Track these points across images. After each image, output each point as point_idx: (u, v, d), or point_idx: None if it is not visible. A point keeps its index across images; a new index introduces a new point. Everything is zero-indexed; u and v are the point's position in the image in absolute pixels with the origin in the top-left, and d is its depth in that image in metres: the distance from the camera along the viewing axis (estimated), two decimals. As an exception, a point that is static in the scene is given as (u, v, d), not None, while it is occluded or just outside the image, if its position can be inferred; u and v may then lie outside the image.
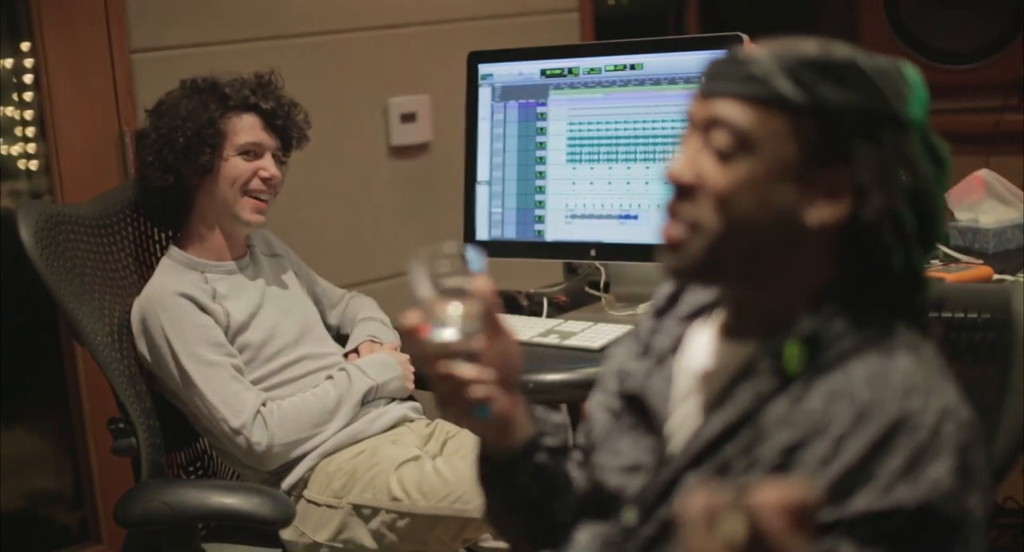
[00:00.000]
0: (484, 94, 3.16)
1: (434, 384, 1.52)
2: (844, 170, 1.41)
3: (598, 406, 1.67)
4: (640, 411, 1.57)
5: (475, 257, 1.53)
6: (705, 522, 0.99)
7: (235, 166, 2.87)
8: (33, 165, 3.49)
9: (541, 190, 3.07)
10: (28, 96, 3.46)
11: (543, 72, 3.09)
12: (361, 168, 3.77)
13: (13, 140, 3.48)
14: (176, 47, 3.46)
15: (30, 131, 3.47)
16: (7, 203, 3.49)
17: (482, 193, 3.15)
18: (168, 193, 2.89)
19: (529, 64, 3.12)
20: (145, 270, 2.94)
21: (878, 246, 1.42)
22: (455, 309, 1.50)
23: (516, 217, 3.11)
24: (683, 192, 1.45)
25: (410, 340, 1.50)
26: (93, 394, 3.41)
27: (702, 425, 1.46)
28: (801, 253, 1.44)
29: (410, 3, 3.83)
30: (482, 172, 3.15)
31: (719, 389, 1.48)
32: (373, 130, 3.78)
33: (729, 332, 1.53)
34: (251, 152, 2.88)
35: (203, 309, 2.77)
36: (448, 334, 1.49)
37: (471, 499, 2.54)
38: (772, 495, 0.99)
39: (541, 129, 3.07)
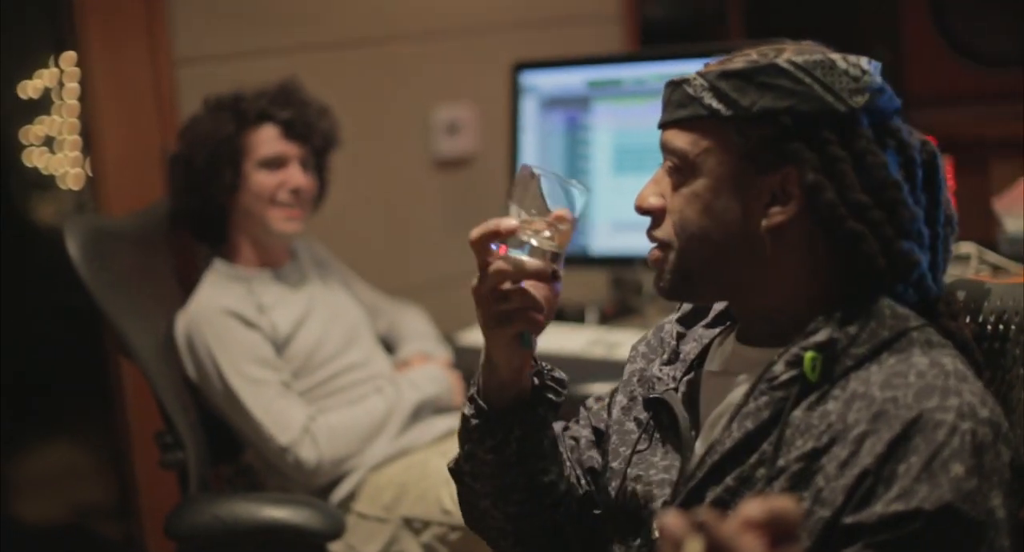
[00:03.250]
0: (528, 104, 3.15)
1: (494, 302, 1.50)
2: (790, 171, 1.43)
3: (620, 409, 1.67)
4: (669, 421, 1.56)
5: (578, 193, 1.53)
6: (672, 545, 0.98)
7: (260, 180, 2.87)
8: (76, 177, 3.49)
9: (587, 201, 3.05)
10: (71, 108, 3.46)
11: (588, 82, 3.08)
12: (405, 178, 3.76)
13: (56, 153, 3.48)
14: (219, 57, 3.45)
15: (73, 143, 3.48)
16: (50, 216, 3.50)
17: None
18: (202, 213, 2.90)
19: (574, 73, 3.11)
20: (188, 283, 2.94)
21: (846, 238, 1.43)
22: (542, 232, 1.50)
23: (562, 228, 3.09)
24: (653, 218, 1.53)
25: (486, 246, 1.49)
26: (138, 407, 3.40)
27: (721, 437, 1.46)
28: (772, 257, 1.46)
29: (452, 12, 3.83)
30: (527, 183, 3.14)
31: (739, 398, 1.48)
32: (416, 140, 3.77)
33: (744, 339, 1.54)
34: (274, 164, 2.88)
35: (249, 325, 2.77)
36: (533, 256, 1.49)
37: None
38: (746, 513, 0.98)
39: (586, 139, 3.06)
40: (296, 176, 2.88)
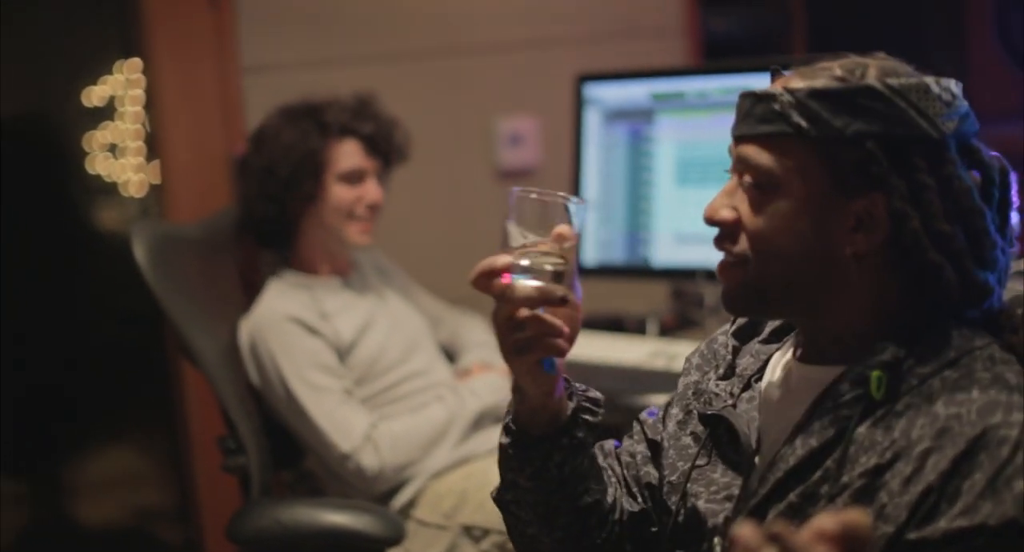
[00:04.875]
0: (592, 116, 3.16)
1: (509, 332, 1.49)
2: (878, 197, 1.41)
3: (675, 422, 1.66)
4: (728, 437, 1.55)
5: (576, 208, 1.49)
6: None
7: (339, 193, 2.89)
8: (139, 184, 3.53)
9: (649, 214, 3.05)
10: (135, 115, 3.49)
11: (652, 95, 3.08)
12: (467, 189, 3.77)
13: (119, 159, 3.51)
14: (285, 66, 3.48)
15: (137, 150, 3.51)
16: (113, 222, 3.54)
17: (590, 217, 3.13)
18: (274, 221, 2.91)
19: (637, 86, 3.11)
20: (252, 290, 2.96)
21: (926, 268, 1.41)
22: (547, 255, 1.47)
23: (624, 240, 3.10)
24: (724, 230, 1.49)
25: (486, 282, 1.49)
26: (199, 412, 3.43)
27: (784, 453, 1.45)
28: (850, 281, 1.44)
29: (516, 25, 3.84)
30: (590, 195, 3.14)
31: (800, 416, 1.47)
32: (479, 152, 3.78)
33: (806, 357, 1.52)
34: (353, 178, 2.90)
35: (312, 332, 2.78)
36: (537, 281, 1.47)
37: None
38: (819, 525, 0.98)
39: (649, 152, 3.06)
40: (373, 191, 2.91)
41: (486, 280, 1.49)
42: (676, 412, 1.67)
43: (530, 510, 1.64)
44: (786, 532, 0.97)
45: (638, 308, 3.26)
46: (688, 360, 1.73)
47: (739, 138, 1.48)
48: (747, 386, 1.58)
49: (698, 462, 1.59)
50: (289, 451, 2.88)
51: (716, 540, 1.52)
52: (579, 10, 3.95)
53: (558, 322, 1.48)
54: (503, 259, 1.48)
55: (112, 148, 3.50)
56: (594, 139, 3.16)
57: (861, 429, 1.40)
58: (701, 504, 1.55)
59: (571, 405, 1.58)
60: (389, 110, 3.03)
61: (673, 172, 3.03)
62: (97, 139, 3.48)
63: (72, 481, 3.61)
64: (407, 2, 3.67)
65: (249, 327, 2.81)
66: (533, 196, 1.49)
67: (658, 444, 1.69)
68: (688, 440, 1.63)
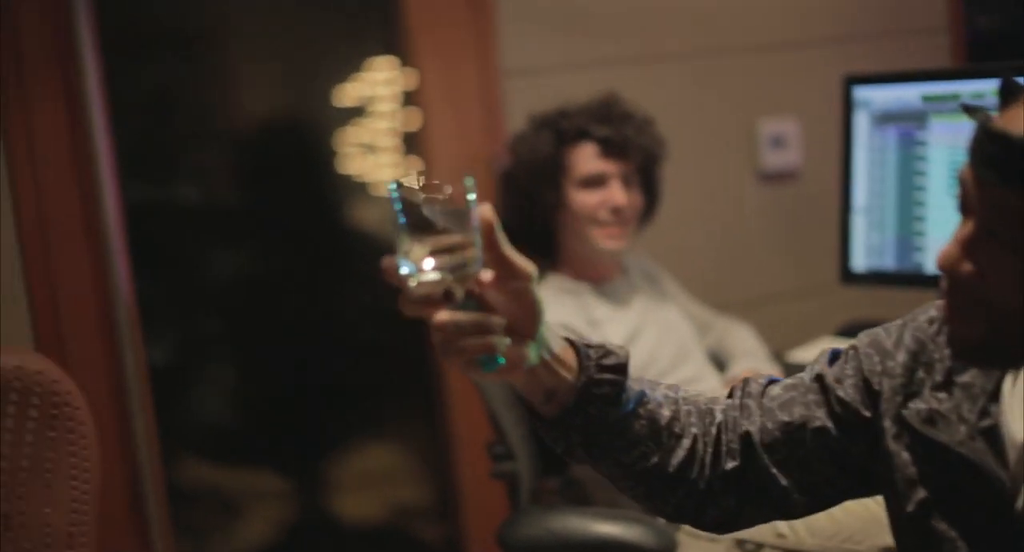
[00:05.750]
0: (860, 119, 3.09)
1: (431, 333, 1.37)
2: None
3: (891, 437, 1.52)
4: (971, 474, 1.43)
5: (468, 188, 1.36)
6: None
7: (580, 199, 2.88)
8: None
9: (922, 219, 2.98)
10: (391, 115, 3.53)
11: (923, 97, 3.00)
12: (729, 192, 3.74)
13: (375, 159, 3.57)
14: (546, 69, 3.49)
15: (392, 150, 3.56)
16: (369, 222, 3.59)
17: (859, 222, 3.07)
18: (529, 228, 2.93)
19: (908, 88, 3.03)
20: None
21: None
22: (439, 248, 1.34)
23: (895, 247, 3.02)
24: (956, 278, 1.36)
25: (391, 284, 1.37)
26: (462, 411, 3.47)
27: None
28: None
29: (777, 25, 3.79)
30: (859, 200, 3.08)
31: None
32: (741, 154, 3.75)
33: None
34: (594, 182, 2.89)
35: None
36: (431, 276, 1.35)
37: (862, 539, 2.47)
38: None
39: (922, 156, 2.98)
40: (616, 194, 2.89)
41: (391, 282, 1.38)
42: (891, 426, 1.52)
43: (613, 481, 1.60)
44: None
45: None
46: (887, 331, 1.59)
47: (978, 178, 1.32)
48: (983, 416, 1.43)
49: (935, 495, 1.47)
50: (556, 458, 2.88)
51: None
52: (841, 10, 3.88)
53: (468, 319, 1.36)
54: (388, 261, 1.37)
55: (368, 148, 3.56)
56: (863, 142, 3.09)
57: None
58: (944, 527, 1.46)
59: (581, 381, 1.48)
60: (648, 112, 3.01)
61: (946, 177, 2.95)
62: (352, 138, 3.53)
63: (335, 477, 3.69)
64: (669, 3, 3.65)
65: (518, 334, 2.82)
66: (407, 186, 1.35)
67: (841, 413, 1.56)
68: (906, 456, 1.50)
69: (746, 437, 1.58)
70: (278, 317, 3.52)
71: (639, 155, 2.94)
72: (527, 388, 1.49)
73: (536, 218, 2.91)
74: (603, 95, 2.99)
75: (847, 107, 3.12)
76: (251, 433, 3.65)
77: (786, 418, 1.57)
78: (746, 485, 1.58)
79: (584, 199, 2.89)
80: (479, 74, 3.46)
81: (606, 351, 1.51)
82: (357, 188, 3.57)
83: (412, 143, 3.51)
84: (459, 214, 1.36)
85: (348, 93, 3.52)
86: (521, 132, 3.00)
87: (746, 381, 1.65)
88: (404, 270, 1.34)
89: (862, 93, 3.10)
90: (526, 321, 1.42)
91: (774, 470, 1.57)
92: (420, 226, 1.34)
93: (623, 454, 1.54)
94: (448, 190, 1.35)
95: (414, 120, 3.47)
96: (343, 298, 3.61)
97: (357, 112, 3.52)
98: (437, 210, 1.35)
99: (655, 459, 1.54)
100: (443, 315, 1.35)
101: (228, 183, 3.57)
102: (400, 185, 1.35)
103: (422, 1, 3.40)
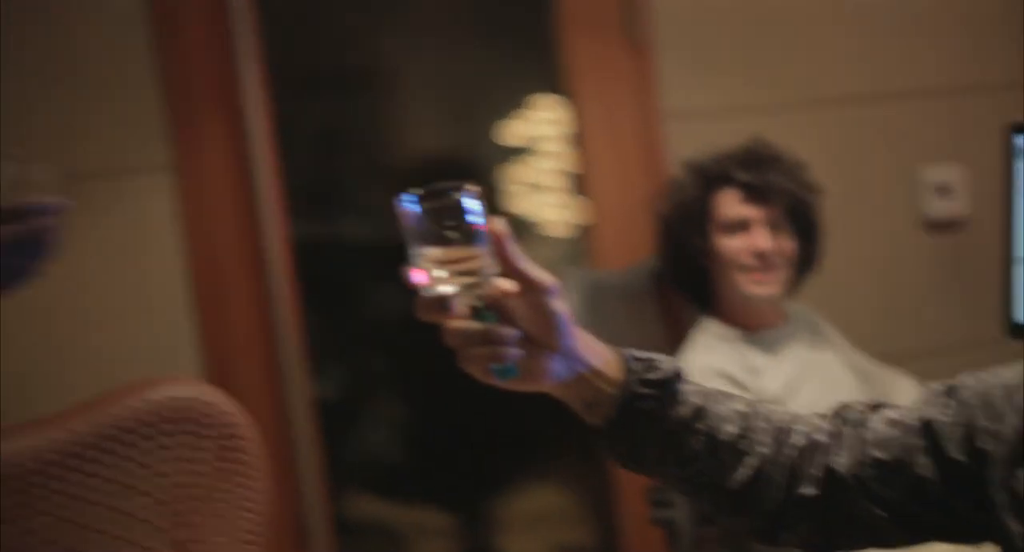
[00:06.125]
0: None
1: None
2: None
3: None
4: None
5: (472, 200, 1.37)
6: None
7: (725, 244, 2.89)
8: (561, 225, 3.60)
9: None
10: (557, 156, 3.57)
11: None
12: (892, 240, 3.71)
13: (541, 199, 3.61)
14: (706, 112, 3.50)
15: (558, 191, 3.59)
16: (541, 264, 3.61)
17: (1020, 273, 3.02)
18: (683, 273, 2.94)
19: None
20: (675, 339, 2.98)
21: None
22: (449, 258, 1.37)
23: (1062, 299, 2.97)
24: None
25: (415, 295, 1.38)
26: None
27: None
28: None
29: (939, 71, 3.75)
30: (1020, 250, 3.03)
31: None
32: (904, 202, 3.72)
33: None
34: (737, 227, 2.89)
35: (741, 387, 2.79)
36: (445, 287, 1.37)
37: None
38: None
39: (1090, 205, 2.94)
40: (760, 239, 2.88)
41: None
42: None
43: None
44: None
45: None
46: (995, 385, 1.53)
47: None
48: None
49: None
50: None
51: None
52: (1010, 56, 3.83)
53: (476, 328, 1.39)
54: (409, 272, 1.41)
55: (532, 187, 3.59)
56: (1026, 191, 3.05)
57: None
58: None
59: (623, 394, 1.49)
60: (807, 158, 3.00)
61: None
62: (518, 177, 3.57)
63: (500, 516, 3.72)
64: (831, 47, 3.65)
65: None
66: (422, 199, 1.38)
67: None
68: (1018, 529, 1.43)
69: (831, 466, 1.54)
70: (447, 355, 3.55)
71: (785, 199, 2.91)
72: (564, 397, 1.50)
73: (689, 264, 2.93)
74: (749, 140, 2.99)
75: (1009, 155, 3.09)
76: (419, 469, 3.70)
77: (884, 456, 1.53)
78: (828, 513, 1.54)
79: (729, 244, 2.89)
80: (640, 115, 3.49)
81: (651, 365, 1.51)
82: (523, 227, 3.61)
83: (573, 183, 3.54)
84: (466, 226, 1.38)
85: (512, 132, 3.57)
86: (674, 177, 3.02)
87: (844, 406, 1.62)
88: (417, 275, 1.39)
89: (1025, 141, 3.06)
90: (548, 334, 1.43)
91: (865, 502, 1.52)
92: (431, 236, 1.38)
93: (678, 468, 1.52)
94: (456, 201, 1.37)
95: (575, 160, 3.50)
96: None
97: (521, 151, 3.57)
98: (446, 221, 1.38)
99: (714, 475, 1.52)
100: (452, 323, 1.38)
101: (395, 220, 3.62)
102: (412, 196, 1.38)
103: (583, 41, 3.45)
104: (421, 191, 1.38)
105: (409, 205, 1.38)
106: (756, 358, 2.86)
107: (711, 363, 2.80)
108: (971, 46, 3.80)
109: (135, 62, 3.18)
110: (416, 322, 1.40)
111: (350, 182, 3.59)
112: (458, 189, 1.37)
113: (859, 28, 3.68)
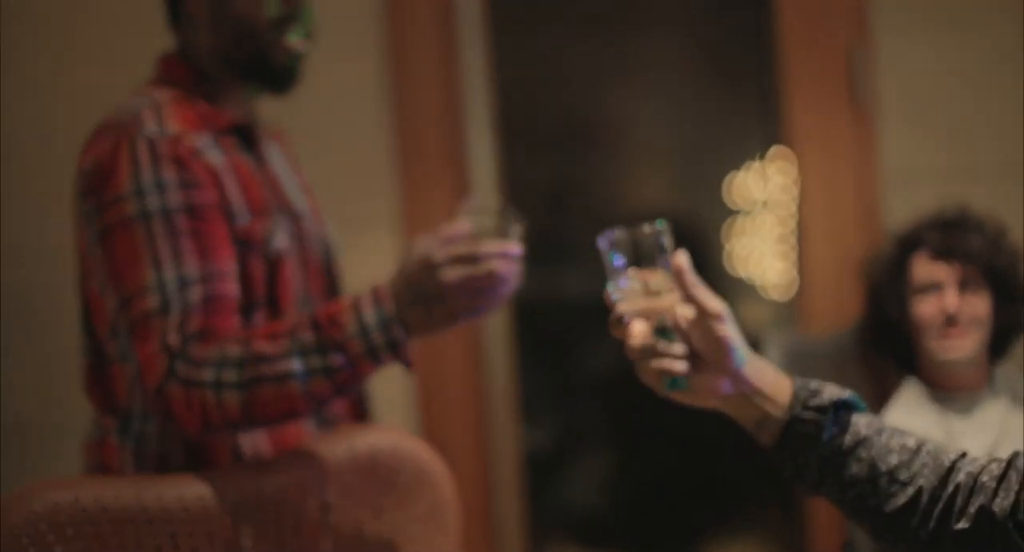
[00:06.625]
0: None
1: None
2: None
3: None
4: None
5: (661, 236, 1.61)
6: None
7: (919, 307, 2.89)
8: (778, 287, 3.65)
9: None
10: (779, 216, 3.60)
11: None
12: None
13: (758, 257, 3.65)
14: (926, 173, 3.43)
15: (776, 250, 3.63)
16: (761, 324, 3.65)
17: None
18: (887, 335, 2.97)
19: None
20: (879, 401, 2.99)
21: None
22: (640, 280, 1.59)
23: None
24: None
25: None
26: (822, 508, 3.46)
27: None
28: None
29: None
30: None
31: None
32: None
33: None
34: (928, 289, 2.89)
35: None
36: (628, 305, 1.58)
37: None
38: None
39: None
40: (949, 300, 2.86)
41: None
42: None
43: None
44: None
45: None
46: None
47: None
48: None
49: None
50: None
51: None
52: None
53: (647, 341, 1.57)
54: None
55: (753, 246, 3.65)
56: None
57: None
58: None
59: (786, 417, 1.62)
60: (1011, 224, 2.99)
61: None
62: (742, 235, 3.63)
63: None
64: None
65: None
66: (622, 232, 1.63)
67: None
68: None
69: (985, 505, 1.58)
70: (654, 410, 3.62)
71: (976, 259, 2.88)
72: (736, 416, 1.65)
73: (890, 327, 2.95)
74: (949, 206, 2.99)
75: None
76: (619, 520, 3.77)
77: None
78: (981, 549, 1.59)
79: (922, 308, 2.90)
80: (859, 176, 3.46)
81: (815, 391, 1.62)
82: (745, 287, 3.67)
83: (791, 243, 3.56)
84: (655, 257, 1.61)
85: (736, 190, 3.63)
86: (881, 243, 3.06)
87: (1016, 455, 1.64)
88: (613, 296, 1.61)
89: None
90: (719, 355, 1.59)
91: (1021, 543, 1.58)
92: (626, 267, 1.61)
93: (839, 492, 1.62)
94: (647, 236, 1.62)
95: (793, 220, 3.53)
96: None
97: (745, 210, 3.62)
98: (639, 254, 1.62)
99: (872, 501, 1.61)
100: (631, 338, 1.58)
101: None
102: (610, 232, 1.63)
103: (806, 99, 3.45)
104: (619, 228, 1.63)
105: (608, 241, 1.62)
106: (953, 421, 2.86)
107: (908, 423, 2.81)
108: None
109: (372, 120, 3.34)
110: (623, 376, 1.60)
111: (571, 238, 3.68)
112: (650, 226, 1.62)
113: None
